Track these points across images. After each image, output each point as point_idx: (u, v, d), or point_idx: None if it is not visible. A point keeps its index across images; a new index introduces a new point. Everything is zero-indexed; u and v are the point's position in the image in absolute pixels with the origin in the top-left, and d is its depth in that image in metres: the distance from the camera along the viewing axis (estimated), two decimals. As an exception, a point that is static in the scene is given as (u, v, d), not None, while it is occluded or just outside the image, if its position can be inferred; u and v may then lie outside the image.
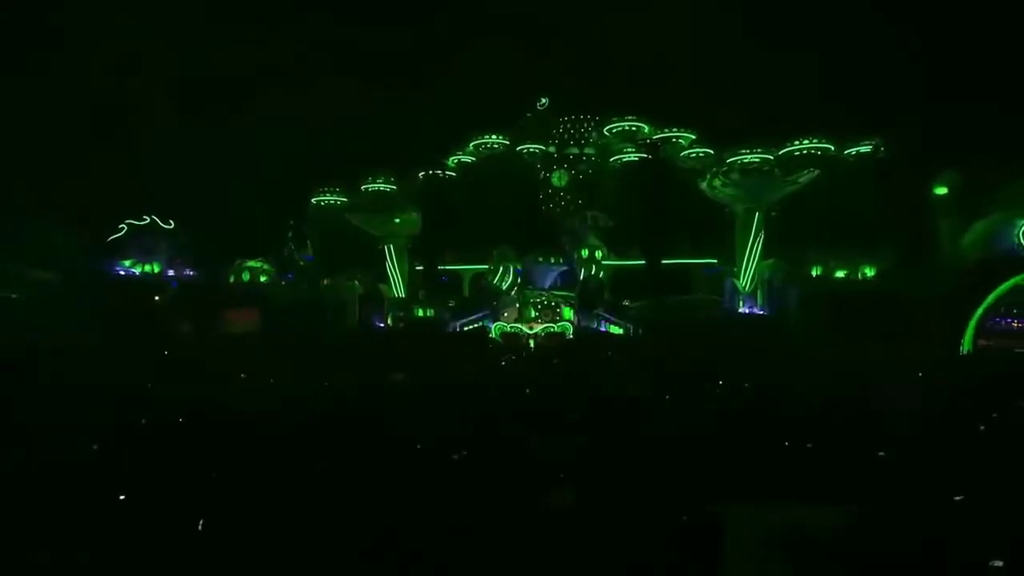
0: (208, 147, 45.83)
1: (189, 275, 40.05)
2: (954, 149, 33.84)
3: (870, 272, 34.58)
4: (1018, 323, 31.60)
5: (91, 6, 46.92)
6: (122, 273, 38.41)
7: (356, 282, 41.25)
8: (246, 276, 40.64)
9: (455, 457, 8.88)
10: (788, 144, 39.12)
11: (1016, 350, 29.89)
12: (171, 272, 39.82)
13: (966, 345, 30.05)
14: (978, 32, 44.75)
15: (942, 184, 32.06)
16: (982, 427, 10.76)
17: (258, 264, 41.08)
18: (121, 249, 38.98)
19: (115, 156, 44.73)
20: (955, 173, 31.90)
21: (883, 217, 36.63)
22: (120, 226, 39.25)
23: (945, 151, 33.73)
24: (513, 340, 36.97)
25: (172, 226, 40.32)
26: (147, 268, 39.27)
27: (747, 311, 37.45)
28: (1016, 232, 28.97)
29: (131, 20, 48.67)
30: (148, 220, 39.70)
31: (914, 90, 42.12)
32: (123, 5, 48.65)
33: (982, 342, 30.41)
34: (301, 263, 43.00)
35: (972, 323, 30.13)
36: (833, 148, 38.87)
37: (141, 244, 39.27)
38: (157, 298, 38.25)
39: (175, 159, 45.87)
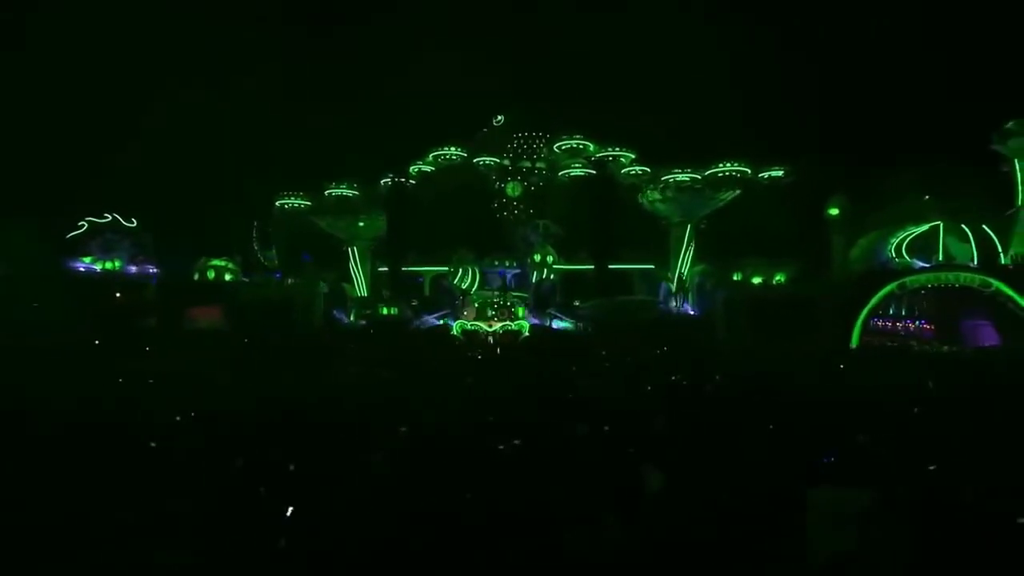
0: (174, 146, 46.02)
1: (151, 272, 40.43)
2: (844, 177, 40.14)
3: (781, 279, 39.34)
4: (883, 322, 37.52)
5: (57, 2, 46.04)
6: (82, 269, 38.46)
7: (322, 282, 43.16)
8: (211, 274, 41.50)
9: (501, 448, 9.16)
10: (712, 166, 44.50)
11: (888, 344, 36.32)
12: (133, 269, 40.11)
13: (854, 341, 35.64)
14: (869, 83, 53.73)
15: (834, 206, 38.50)
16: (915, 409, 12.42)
17: (223, 263, 42.04)
18: (81, 246, 38.95)
19: (79, 154, 44.10)
20: (844, 197, 38.49)
21: (791, 232, 41.75)
22: (80, 223, 39.17)
23: (837, 178, 40.10)
24: (473, 337, 40.21)
25: (135, 224, 40.64)
26: (108, 265, 39.38)
27: (680, 311, 42.67)
28: (889, 247, 35.48)
29: (98, 16, 47.89)
30: (110, 218, 39.85)
31: (816, 125, 49.33)
32: (91, 1, 47.84)
33: (865, 338, 36.35)
34: (274, 263, 44.33)
35: (859, 323, 35.68)
36: (750, 171, 44.63)
37: (102, 242, 39.36)
38: (119, 295, 38.74)
39: (140, 157, 45.69)
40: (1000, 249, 33.85)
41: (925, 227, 33.94)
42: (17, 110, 44.25)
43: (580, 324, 40.12)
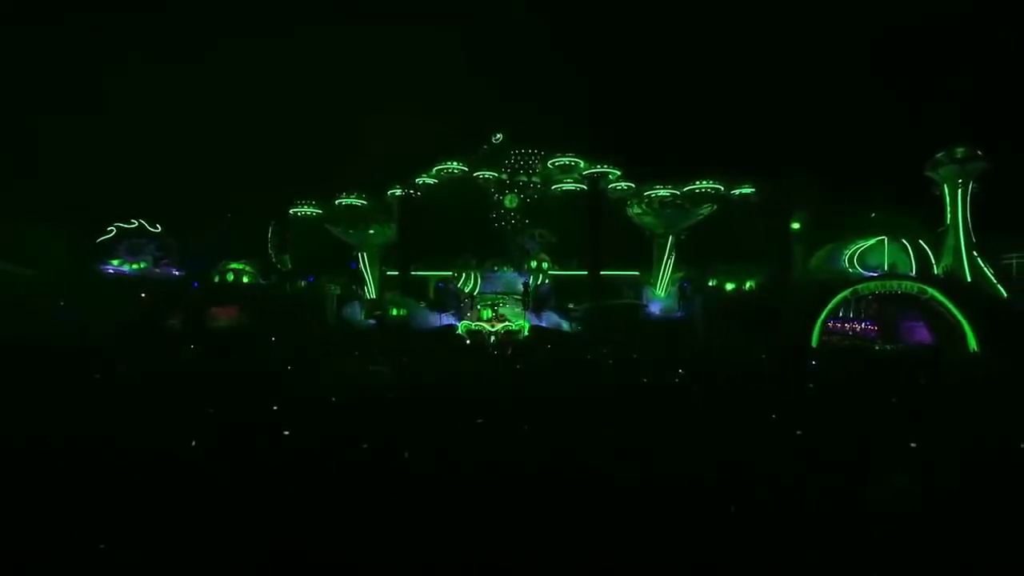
0: (195, 156, 48.59)
1: (176, 274, 42.94)
2: (805, 194, 45.50)
3: (751, 285, 43.67)
4: (835, 323, 42.45)
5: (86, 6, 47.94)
6: (111, 272, 40.78)
7: (334, 285, 46.34)
8: (230, 277, 44.21)
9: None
10: (690, 183, 49.26)
11: (844, 343, 41.44)
12: (156, 271, 42.57)
13: (814, 341, 39.17)
14: (830, 114, 60.61)
15: (796, 220, 43.82)
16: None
17: (241, 266, 44.80)
18: (109, 250, 41.29)
19: (108, 163, 46.34)
20: (805, 213, 43.83)
21: (759, 243, 46.12)
22: (108, 228, 41.51)
23: (799, 196, 45.47)
24: (477, 336, 43.97)
25: (159, 229, 43.14)
26: (134, 267, 41.79)
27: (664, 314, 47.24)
28: (844, 257, 40.73)
29: (125, 21, 50.20)
30: (136, 223, 42.28)
31: (781, 149, 55.10)
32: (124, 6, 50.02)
33: (824, 338, 41.09)
34: (288, 267, 47.28)
35: (818, 324, 39.00)
36: (723, 188, 49.60)
37: (129, 245, 41.78)
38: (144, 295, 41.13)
39: (163, 167, 48.17)
40: (933, 261, 39.58)
41: (872, 241, 39.32)
42: (50, 123, 46.25)
43: (573, 324, 44.43)
